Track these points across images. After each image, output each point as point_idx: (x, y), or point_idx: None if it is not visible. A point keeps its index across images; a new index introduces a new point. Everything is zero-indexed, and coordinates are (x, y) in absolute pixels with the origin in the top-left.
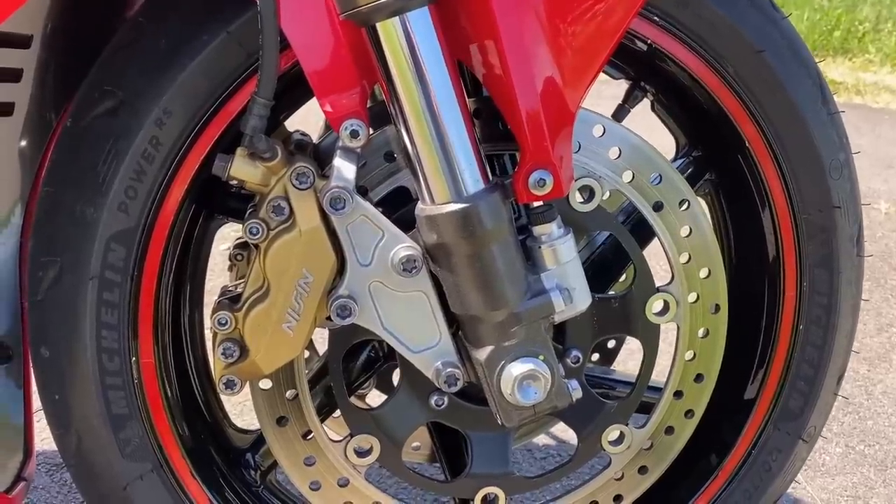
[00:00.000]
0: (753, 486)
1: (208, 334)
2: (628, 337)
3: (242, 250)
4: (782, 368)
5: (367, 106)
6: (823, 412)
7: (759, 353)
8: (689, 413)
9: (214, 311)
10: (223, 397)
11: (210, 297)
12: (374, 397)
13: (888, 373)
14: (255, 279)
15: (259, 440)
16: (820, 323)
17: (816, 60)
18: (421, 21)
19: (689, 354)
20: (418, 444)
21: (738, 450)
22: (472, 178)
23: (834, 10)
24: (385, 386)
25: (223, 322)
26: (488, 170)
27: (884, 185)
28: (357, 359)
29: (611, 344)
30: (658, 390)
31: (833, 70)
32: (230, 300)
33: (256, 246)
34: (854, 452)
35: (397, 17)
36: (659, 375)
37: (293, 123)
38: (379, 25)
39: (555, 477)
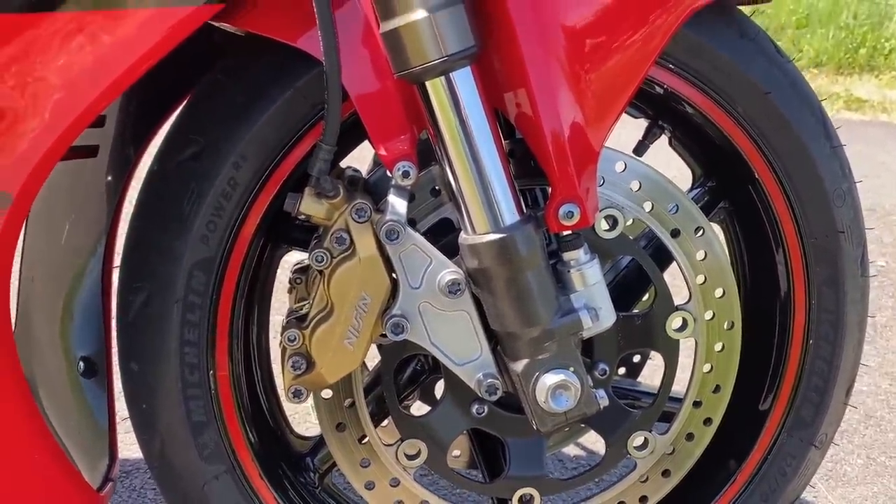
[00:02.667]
0: (770, 489)
1: (274, 350)
2: (652, 352)
3: (301, 275)
4: (794, 380)
5: (416, 147)
6: (834, 420)
7: (773, 366)
8: (707, 421)
9: (284, 328)
10: (285, 407)
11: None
12: (416, 408)
13: None
14: (319, 301)
15: (317, 446)
16: (828, 339)
17: (842, 76)
18: (464, 79)
19: (706, 367)
20: (458, 453)
21: (755, 456)
22: (508, 211)
23: (860, 28)
24: (427, 398)
25: (292, 338)
26: (522, 203)
27: None
28: (404, 373)
29: (636, 359)
30: (679, 400)
31: (859, 87)
32: (297, 319)
33: (321, 272)
34: (875, 464)
35: (444, 77)
36: (679, 387)
37: None
38: (428, 83)
39: (586, 479)
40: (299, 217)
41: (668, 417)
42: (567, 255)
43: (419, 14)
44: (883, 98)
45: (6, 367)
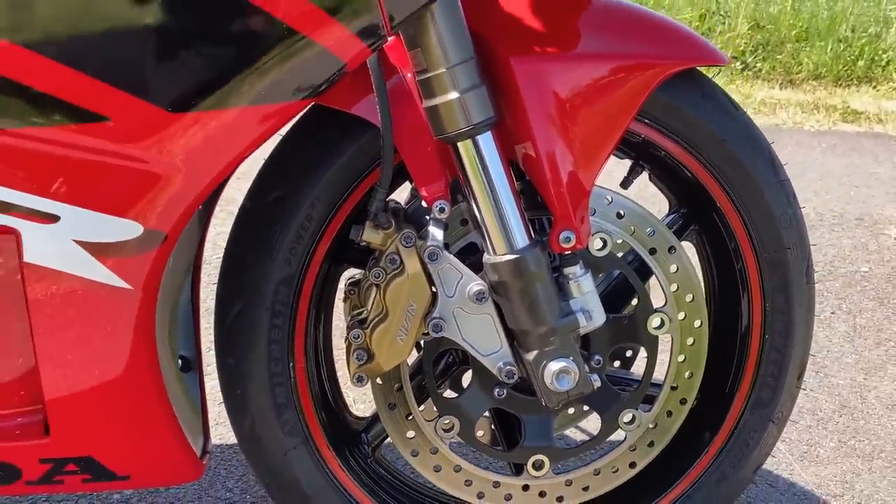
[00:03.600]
0: (737, 457)
1: (336, 348)
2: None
3: (354, 287)
4: (754, 368)
5: (450, 188)
6: (788, 400)
7: (737, 356)
8: (683, 401)
9: (349, 329)
10: (344, 393)
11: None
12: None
13: (882, 381)
14: (376, 307)
15: (369, 425)
16: (781, 334)
17: (841, 88)
18: (486, 140)
19: (681, 357)
20: (482, 433)
21: (725, 430)
22: (520, 237)
23: (858, 41)
24: (455, 386)
25: (356, 336)
26: (531, 230)
27: None
28: (438, 366)
29: (628, 353)
30: (660, 385)
31: (856, 99)
32: (359, 322)
33: (377, 285)
34: (846, 447)
35: (471, 139)
36: (660, 374)
37: None
38: (460, 144)
39: (586, 447)
40: (361, 243)
41: (651, 400)
42: (566, 270)
43: (453, 95)
44: (878, 109)
45: (151, 365)
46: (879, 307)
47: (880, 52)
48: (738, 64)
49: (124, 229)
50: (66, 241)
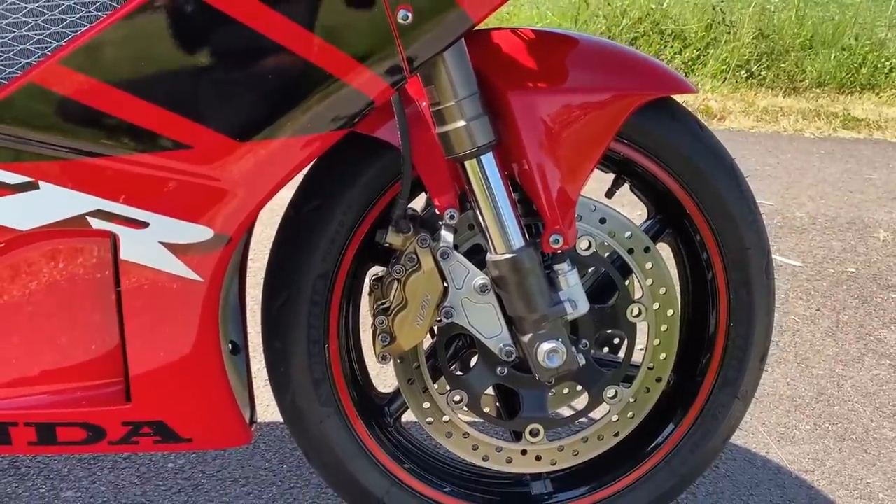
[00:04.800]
0: (707, 429)
1: (363, 333)
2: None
3: (377, 283)
4: (722, 351)
5: (458, 199)
6: (752, 379)
7: (707, 341)
8: (658, 379)
9: (375, 315)
10: (369, 370)
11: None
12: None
13: (859, 371)
14: (397, 298)
15: (391, 399)
16: (744, 322)
17: (844, 95)
18: (488, 159)
19: (656, 342)
20: (488, 409)
21: (696, 405)
22: (517, 239)
23: (861, 49)
24: (464, 367)
25: (381, 322)
26: (526, 233)
27: (887, 216)
28: (449, 349)
29: (616, 340)
30: (638, 366)
31: (858, 106)
32: (383, 310)
33: (398, 280)
34: (820, 429)
35: (476, 158)
36: (638, 357)
37: None
38: (467, 163)
39: (575, 418)
40: (384, 244)
41: (631, 379)
42: (556, 266)
43: (460, 123)
44: (878, 116)
45: (215, 344)
46: (862, 305)
47: (883, 60)
48: (742, 72)
49: (198, 233)
50: (153, 242)
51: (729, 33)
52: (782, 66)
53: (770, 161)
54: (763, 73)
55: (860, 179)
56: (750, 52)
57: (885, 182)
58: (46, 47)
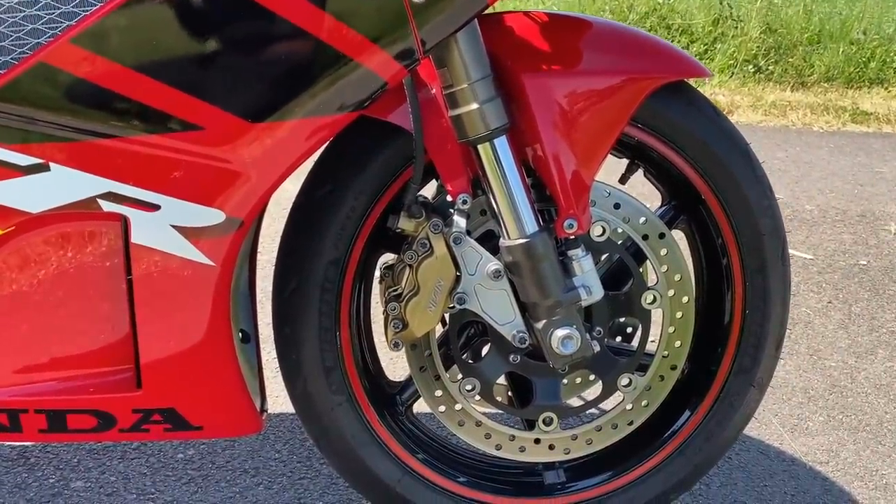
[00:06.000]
0: (722, 417)
1: (374, 321)
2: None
3: (388, 270)
4: (737, 339)
5: (471, 184)
6: (767, 368)
7: (723, 329)
8: (673, 367)
9: (387, 302)
10: (381, 360)
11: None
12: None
13: (872, 364)
14: (409, 284)
15: (402, 388)
16: (759, 309)
17: (852, 90)
18: (501, 143)
19: (671, 329)
20: (500, 398)
21: (712, 393)
22: (530, 224)
23: (870, 43)
24: (476, 356)
25: (393, 308)
26: (540, 218)
27: None
28: (461, 338)
29: (629, 329)
30: (653, 354)
31: (867, 101)
32: (395, 297)
33: (411, 265)
34: (833, 421)
35: (489, 142)
36: (652, 345)
37: None
38: (480, 147)
39: (589, 406)
40: (396, 230)
41: (645, 367)
42: (570, 252)
43: (473, 106)
44: (888, 110)
45: (226, 331)
46: (874, 297)
47: (892, 55)
48: (750, 67)
49: (210, 216)
50: (164, 225)
51: (736, 28)
52: (790, 60)
53: (779, 155)
54: (771, 67)
55: (870, 173)
56: (757, 47)
57: (895, 176)
58: (57, 27)
